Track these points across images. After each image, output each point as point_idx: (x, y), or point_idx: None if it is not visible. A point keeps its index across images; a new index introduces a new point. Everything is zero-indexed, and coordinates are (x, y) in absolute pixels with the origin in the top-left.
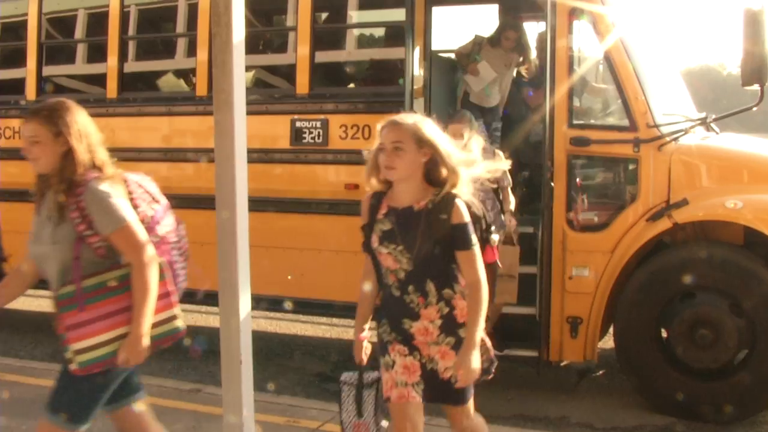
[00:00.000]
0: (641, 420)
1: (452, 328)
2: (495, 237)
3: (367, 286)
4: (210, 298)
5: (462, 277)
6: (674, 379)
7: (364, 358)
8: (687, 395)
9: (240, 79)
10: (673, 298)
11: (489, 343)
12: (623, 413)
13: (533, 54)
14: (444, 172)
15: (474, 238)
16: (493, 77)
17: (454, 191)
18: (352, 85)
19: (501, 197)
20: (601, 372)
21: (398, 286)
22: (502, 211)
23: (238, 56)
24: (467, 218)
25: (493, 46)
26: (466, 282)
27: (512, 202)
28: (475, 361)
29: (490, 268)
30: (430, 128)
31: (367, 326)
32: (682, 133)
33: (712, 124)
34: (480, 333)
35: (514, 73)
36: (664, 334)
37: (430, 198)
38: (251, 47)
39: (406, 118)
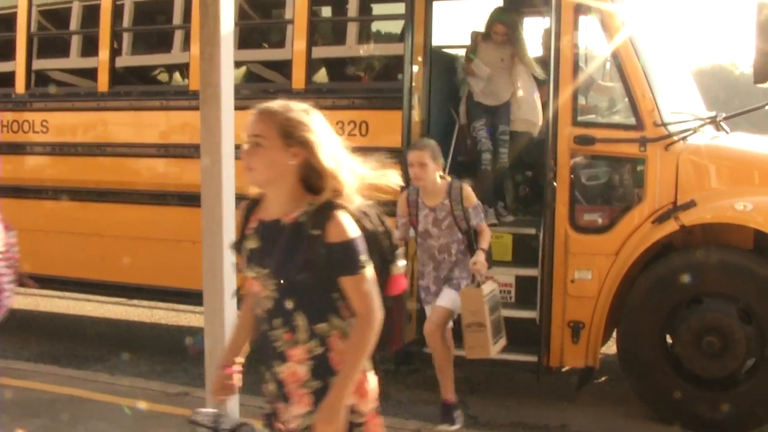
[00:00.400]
0: (644, 429)
1: (324, 374)
2: (401, 263)
3: (243, 312)
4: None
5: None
6: (679, 387)
7: (225, 398)
8: (692, 404)
9: (228, 72)
10: (679, 303)
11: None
12: (626, 422)
13: (529, 49)
14: (322, 177)
15: (363, 259)
16: (487, 74)
17: (336, 201)
18: (349, 80)
19: (474, 238)
20: (603, 378)
21: (266, 318)
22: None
23: (226, 49)
24: (352, 234)
25: (485, 41)
26: (356, 314)
27: (488, 239)
28: (338, 420)
29: (397, 301)
30: (308, 121)
31: (237, 359)
32: (691, 132)
33: (722, 124)
34: (354, 380)
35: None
36: (669, 340)
37: (303, 209)
38: (246, 40)
39: (277, 106)
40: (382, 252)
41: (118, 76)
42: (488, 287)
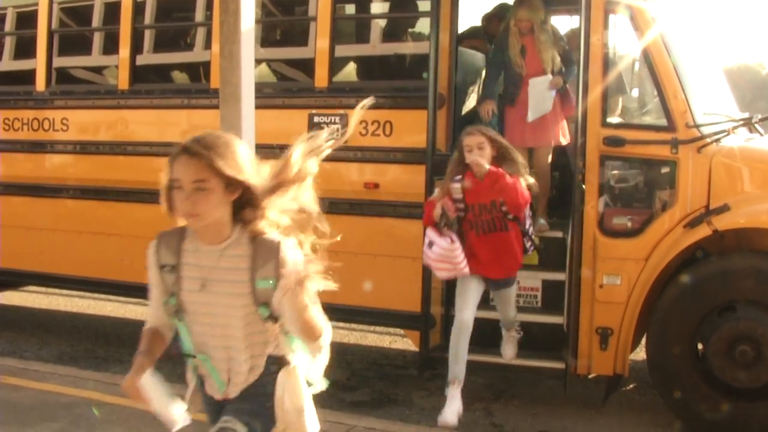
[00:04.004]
0: None
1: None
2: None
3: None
4: None
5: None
6: (710, 397)
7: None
8: (724, 415)
9: (249, 70)
10: (711, 310)
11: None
12: None
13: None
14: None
15: None
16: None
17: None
18: (373, 79)
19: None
20: (631, 386)
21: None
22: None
23: (247, 46)
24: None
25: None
26: None
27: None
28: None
29: None
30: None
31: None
32: (724, 134)
33: (757, 125)
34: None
35: None
36: (700, 348)
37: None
38: (268, 38)
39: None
40: None
41: (138, 74)
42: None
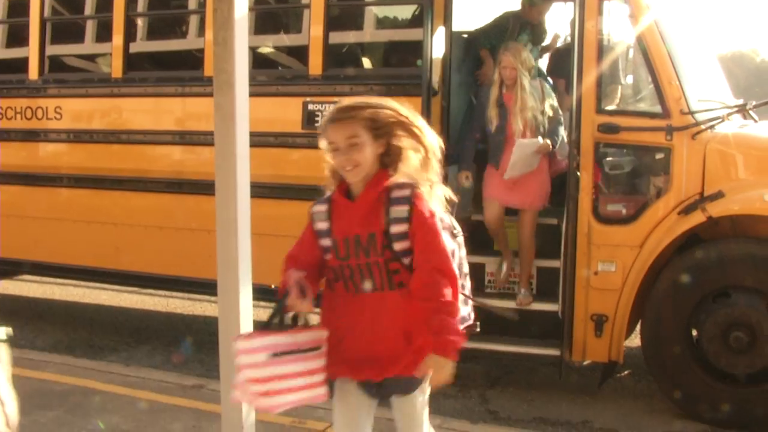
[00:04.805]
0: (669, 426)
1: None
2: None
3: None
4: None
5: None
6: (705, 383)
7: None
8: (719, 401)
9: (242, 57)
10: (706, 297)
11: None
12: (650, 419)
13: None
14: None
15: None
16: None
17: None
18: (367, 67)
19: None
20: (626, 373)
21: None
22: None
23: (241, 33)
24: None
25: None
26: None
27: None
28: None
29: None
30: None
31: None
32: (719, 120)
33: (751, 112)
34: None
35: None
36: (694, 334)
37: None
38: (262, 25)
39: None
40: None
41: (132, 62)
42: None
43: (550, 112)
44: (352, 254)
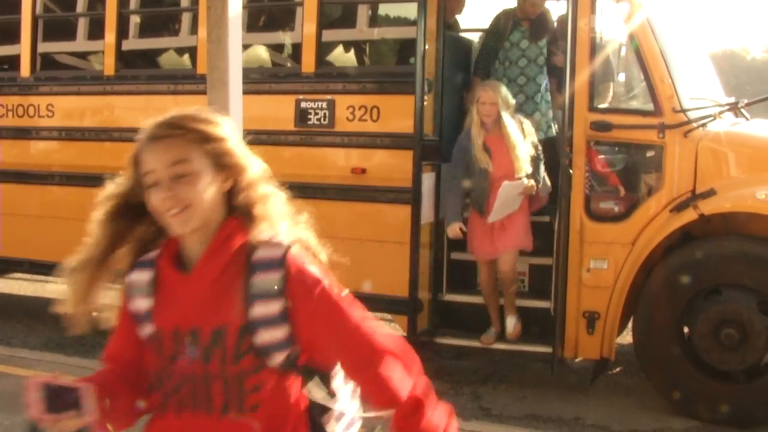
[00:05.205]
0: (661, 423)
1: None
2: None
3: None
4: None
5: None
6: (697, 380)
7: None
8: (710, 397)
9: (236, 55)
10: (697, 294)
11: None
12: (642, 415)
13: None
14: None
15: None
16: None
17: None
18: (360, 64)
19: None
20: (618, 370)
21: None
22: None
23: (234, 31)
24: None
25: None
26: None
27: None
28: None
29: None
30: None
31: None
32: (711, 118)
33: (743, 110)
34: None
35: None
36: (686, 331)
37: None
38: (255, 23)
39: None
40: None
41: (124, 60)
42: None
43: (532, 151)
44: (181, 355)
